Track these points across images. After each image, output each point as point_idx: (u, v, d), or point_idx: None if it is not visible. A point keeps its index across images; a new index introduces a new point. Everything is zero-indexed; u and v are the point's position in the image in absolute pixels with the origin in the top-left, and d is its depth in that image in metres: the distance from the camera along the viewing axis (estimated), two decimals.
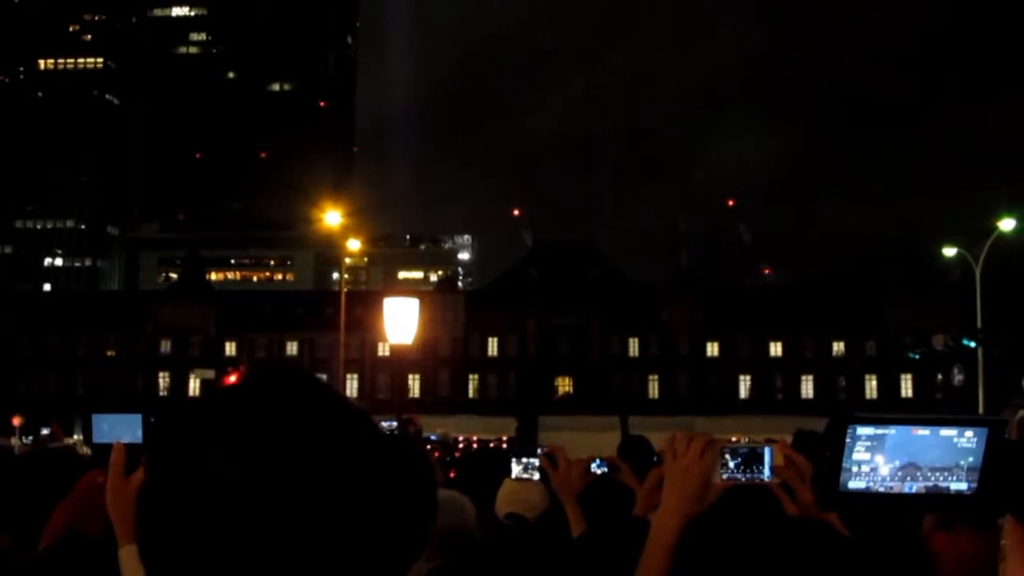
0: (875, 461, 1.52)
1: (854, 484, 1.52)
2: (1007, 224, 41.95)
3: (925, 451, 1.52)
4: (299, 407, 1.12)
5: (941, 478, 1.53)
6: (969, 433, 1.52)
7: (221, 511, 1.05)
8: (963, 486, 1.52)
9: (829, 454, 1.52)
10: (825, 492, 1.54)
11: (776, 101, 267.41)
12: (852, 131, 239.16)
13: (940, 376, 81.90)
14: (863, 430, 1.51)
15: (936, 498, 1.54)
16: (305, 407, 1.12)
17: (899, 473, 1.53)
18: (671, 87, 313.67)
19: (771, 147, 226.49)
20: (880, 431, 1.51)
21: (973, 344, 43.83)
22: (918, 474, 1.53)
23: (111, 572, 2.41)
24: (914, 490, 1.53)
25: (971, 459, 1.52)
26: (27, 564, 2.89)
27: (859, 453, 1.52)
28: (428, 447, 15.14)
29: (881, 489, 1.53)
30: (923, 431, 1.52)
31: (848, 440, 1.51)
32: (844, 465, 1.52)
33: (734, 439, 2.44)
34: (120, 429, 2.72)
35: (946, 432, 1.52)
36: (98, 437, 2.78)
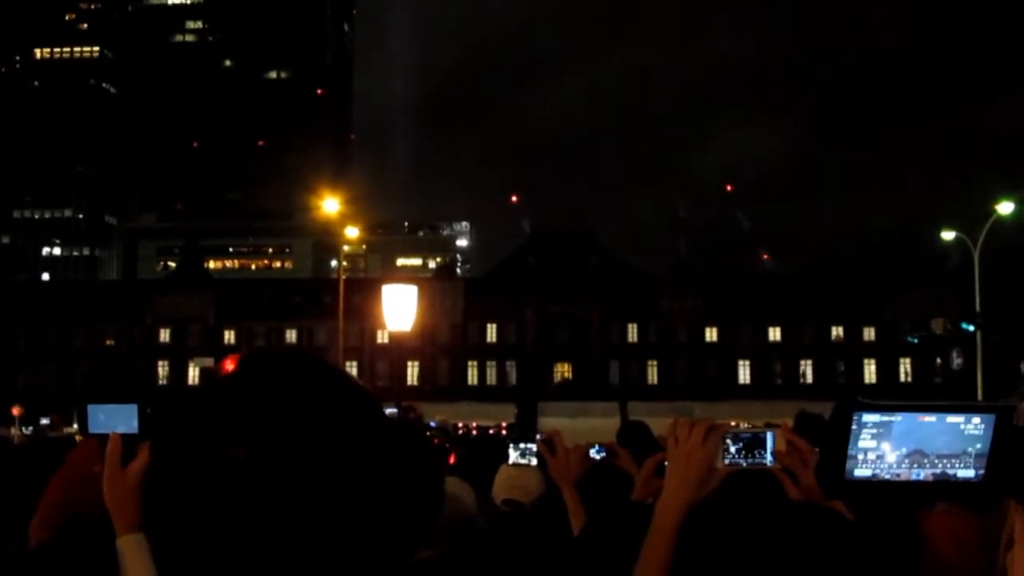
0: (881, 448, 1.50)
1: (860, 472, 1.50)
2: (1005, 208, 41.90)
3: (932, 438, 1.50)
4: (305, 389, 1.11)
5: (948, 465, 1.51)
6: (976, 420, 1.50)
7: (230, 496, 1.05)
8: (970, 473, 1.51)
9: (834, 441, 1.50)
10: (830, 480, 1.52)
11: (775, 100, 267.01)
12: (852, 130, 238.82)
13: (939, 360, 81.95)
14: (869, 417, 1.49)
15: (943, 485, 1.52)
16: (311, 389, 1.12)
17: (906, 460, 1.50)
18: (671, 86, 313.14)
19: (770, 145, 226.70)
20: (886, 418, 1.49)
21: (972, 328, 43.82)
22: (925, 461, 1.51)
23: (112, 556, 2.39)
24: (921, 477, 1.51)
25: (979, 446, 1.50)
26: (23, 557, 2.87)
27: (865, 440, 1.49)
28: (428, 434, 15.13)
29: (887, 477, 1.50)
30: (930, 418, 1.50)
31: (854, 427, 1.49)
32: (850, 452, 1.50)
33: (734, 424, 2.41)
34: (115, 420, 2.70)
35: (953, 419, 1.50)
36: (94, 428, 2.75)
